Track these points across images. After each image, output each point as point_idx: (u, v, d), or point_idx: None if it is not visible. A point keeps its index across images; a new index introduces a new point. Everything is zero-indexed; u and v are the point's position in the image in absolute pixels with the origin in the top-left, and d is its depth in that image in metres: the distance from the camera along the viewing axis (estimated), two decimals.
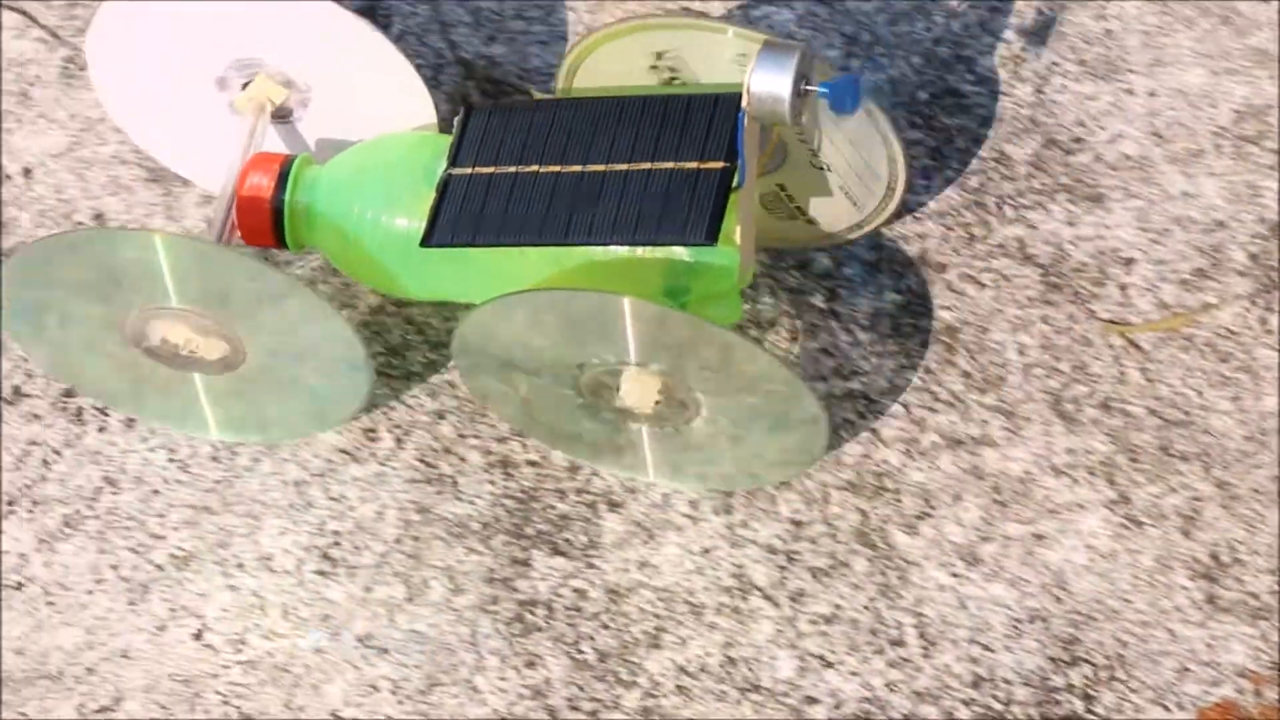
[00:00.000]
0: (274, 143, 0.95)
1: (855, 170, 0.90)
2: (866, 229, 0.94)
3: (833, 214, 0.93)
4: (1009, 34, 1.03)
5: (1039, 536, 0.90)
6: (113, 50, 0.94)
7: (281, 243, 0.90)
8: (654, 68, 0.88)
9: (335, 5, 0.89)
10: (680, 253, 0.85)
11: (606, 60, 0.88)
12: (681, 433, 0.87)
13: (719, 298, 0.87)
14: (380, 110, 0.92)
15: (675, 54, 0.87)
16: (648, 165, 0.82)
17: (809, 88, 0.82)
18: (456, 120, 0.87)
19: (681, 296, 0.86)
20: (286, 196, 0.89)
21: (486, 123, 0.86)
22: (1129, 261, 0.97)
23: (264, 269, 0.85)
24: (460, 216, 0.83)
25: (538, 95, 1.00)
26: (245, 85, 0.93)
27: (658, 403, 0.85)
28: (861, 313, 0.95)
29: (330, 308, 0.86)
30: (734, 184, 0.82)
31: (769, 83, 0.80)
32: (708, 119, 0.83)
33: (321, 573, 0.91)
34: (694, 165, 0.82)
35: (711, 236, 0.80)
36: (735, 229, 0.84)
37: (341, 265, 0.92)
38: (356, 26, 0.90)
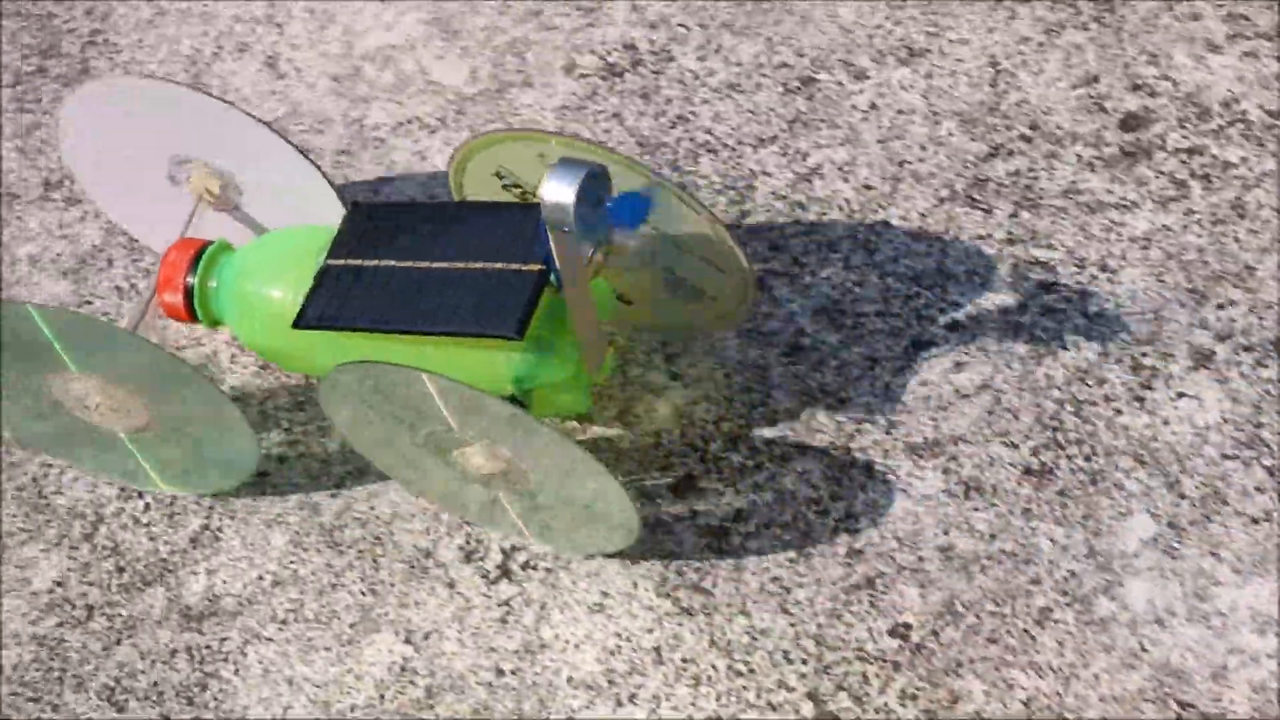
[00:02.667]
0: (221, 227, 1.07)
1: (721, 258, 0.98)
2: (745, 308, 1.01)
3: (732, 291, 1.00)
4: None
5: None
6: (80, 135, 1.07)
7: (194, 318, 1.02)
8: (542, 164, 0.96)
9: (256, 121, 1.03)
10: (527, 347, 0.94)
11: (502, 155, 0.98)
12: (531, 496, 0.96)
13: (566, 389, 0.97)
14: (298, 206, 1.04)
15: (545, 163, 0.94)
16: (481, 265, 0.92)
17: (604, 201, 0.89)
18: (343, 216, 0.98)
19: (527, 384, 0.95)
20: (197, 276, 1.00)
21: (365, 220, 0.97)
22: None
23: (111, 331, 0.96)
24: (329, 302, 0.94)
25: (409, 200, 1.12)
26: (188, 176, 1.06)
27: (499, 470, 0.94)
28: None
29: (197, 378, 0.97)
30: (553, 286, 0.91)
31: (555, 194, 0.87)
32: (534, 226, 0.92)
33: None
34: (516, 267, 0.91)
35: (518, 331, 0.90)
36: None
37: (245, 341, 1.02)
38: (271, 139, 1.03)
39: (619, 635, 0.98)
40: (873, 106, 1.16)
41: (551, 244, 0.89)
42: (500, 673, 0.98)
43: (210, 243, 1.02)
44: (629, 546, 0.98)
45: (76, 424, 1.02)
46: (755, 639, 0.97)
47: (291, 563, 1.03)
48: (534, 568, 1.01)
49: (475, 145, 0.98)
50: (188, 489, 1.05)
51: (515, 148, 0.97)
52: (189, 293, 1.01)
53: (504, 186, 0.99)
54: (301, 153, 1.03)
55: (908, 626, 0.96)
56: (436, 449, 0.95)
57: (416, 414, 0.93)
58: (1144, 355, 1.04)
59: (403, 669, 0.98)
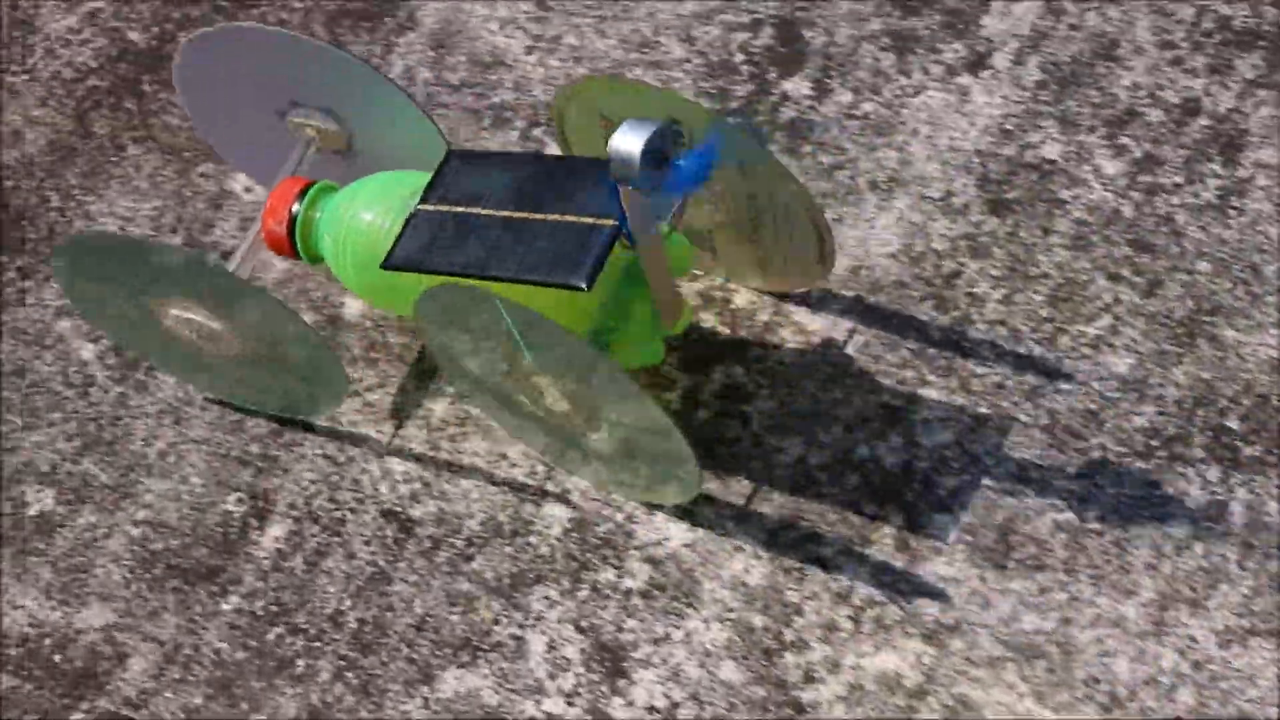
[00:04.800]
0: (329, 172, 1.10)
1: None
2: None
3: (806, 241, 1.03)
4: None
5: None
6: (197, 77, 1.11)
7: (295, 251, 1.06)
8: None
9: (370, 69, 1.06)
10: (604, 299, 0.98)
11: (605, 99, 1.01)
12: (600, 441, 1.00)
13: (641, 341, 1.01)
14: (409, 154, 1.08)
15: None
16: (560, 217, 0.96)
17: (672, 158, 0.91)
18: (439, 162, 1.02)
19: (603, 336, 1.00)
20: (301, 207, 1.05)
21: (459, 167, 1.01)
22: None
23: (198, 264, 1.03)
24: (416, 246, 0.98)
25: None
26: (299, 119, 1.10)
27: (571, 410, 0.98)
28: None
29: (284, 309, 1.02)
30: (626, 242, 0.95)
31: (621, 150, 0.89)
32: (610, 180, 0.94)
33: None
34: (591, 221, 0.95)
35: (588, 283, 0.93)
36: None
37: (338, 273, 1.06)
38: (386, 88, 1.06)
39: None
40: None
41: (622, 200, 0.92)
42: None
43: (315, 181, 1.07)
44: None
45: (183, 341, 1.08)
46: None
47: None
48: None
49: (576, 90, 1.01)
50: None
51: (616, 97, 1.00)
52: (292, 222, 1.04)
53: (606, 127, 1.00)
54: (414, 101, 1.07)
55: None
56: (514, 381, 0.99)
57: (494, 345, 0.96)
58: None
59: None
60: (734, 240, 1.05)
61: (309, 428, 1.11)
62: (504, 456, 1.07)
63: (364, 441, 1.10)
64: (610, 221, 0.94)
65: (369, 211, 1.03)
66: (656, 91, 1.00)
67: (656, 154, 0.90)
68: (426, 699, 1.00)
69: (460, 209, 0.98)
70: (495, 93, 1.23)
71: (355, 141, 1.10)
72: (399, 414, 1.10)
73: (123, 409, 1.14)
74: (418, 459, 1.09)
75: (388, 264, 0.99)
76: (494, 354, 0.99)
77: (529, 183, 0.98)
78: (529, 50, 1.24)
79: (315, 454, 1.10)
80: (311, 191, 1.05)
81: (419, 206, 1.00)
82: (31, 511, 1.11)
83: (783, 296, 1.09)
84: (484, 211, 0.97)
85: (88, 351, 1.16)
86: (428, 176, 1.01)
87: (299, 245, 1.05)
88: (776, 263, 1.05)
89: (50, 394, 1.15)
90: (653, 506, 1.04)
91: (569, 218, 0.95)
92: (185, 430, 1.13)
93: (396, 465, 1.08)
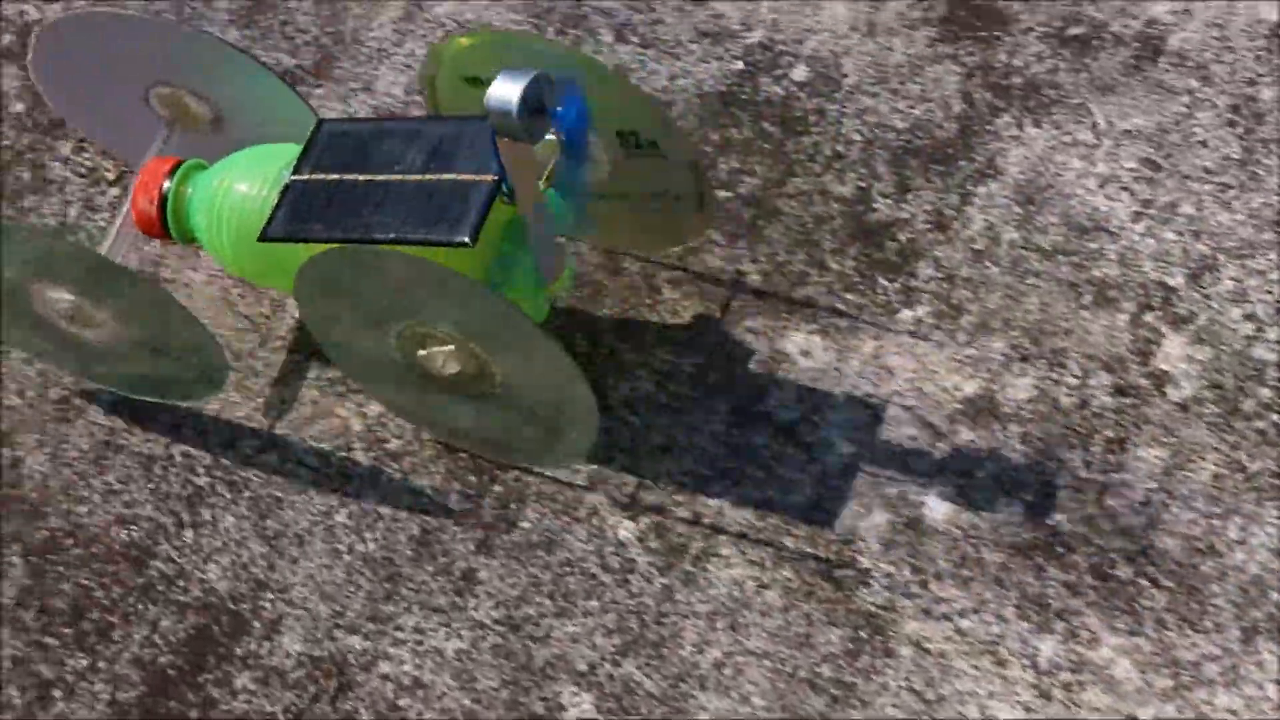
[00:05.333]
0: (196, 151, 1.07)
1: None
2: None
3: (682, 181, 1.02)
4: None
5: None
6: (54, 64, 1.09)
7: (166, 231, 1.04)
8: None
9: (229, 46, 1.06)
10: (485, 257, 0.98)
11: (473, 56, 1.00)
12: (494, 400, 0.99)
13: (523, 298, 0.99)
14: (276, 129, 1.06)
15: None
16: (438, 177, 0.95)
17: (550, 109, 0.91)
18: (310, 133, 1.01)
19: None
20: (172, 183, 1.03)
21: (330, 136, 1.00)
22: None
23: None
24: (293, 215, 0.97)
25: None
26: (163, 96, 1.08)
27: (463, 369, 0.97)
28: None
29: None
30: (506, 197, 0.94)
31: (499, 101, 0.89)
32: (488, 136, 0.93)
33: None
34: (470, 177, 0.94)
35: (471, 238, 0.92)
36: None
37: (211, 251, 1.04)
38: (246, 62, 1.06)
39: None
40: None
41: (500, 152, 0.92)
42: None
43: (185, 159, 1.05)
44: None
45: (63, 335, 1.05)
46: None
47: None
48: None
49: (439, 51, 1.00)
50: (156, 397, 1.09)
51: (480, 49, 1.00)
52: (163, 200, 1.03)
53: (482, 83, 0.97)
54: (278, 75, 1.06)
55: None
56: (402, 345, 0.98)
57: (386, 306, 0.96)
58: None
59: None
60: (629, 179, 1.02)
61: (889, 653, 0.97)
62: None
63: (961, 675, 0.95)
64: (490, 177, 0.94)
65: (243, 184, 1.02)
66: (519, 38, 1.04)
67: (534, 102, 0.90)
68: None
69: (335, 176, 0.98)
70: (1096, 265, 1.07)
71: (222, 117, 1.09)
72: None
73: (668, 604, 1.01)
74: (1027, 708, 0.94)
75: (265, 236, 0.98)
76: (380, 318, 0.97)
77: (403, 146, 0.97)
78: (1136, 217, 1.08)
79: (899, 684, 0.96)
80: (182, 168, 1.04)
81: (293, 177, 0.99)
82: (569, 716, 0.98)
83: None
84: (360, 177, 0.97)
85: (625, 530, 1.03)
86: (299, 148, 1.01)
87: (171, 223, 1.04)
88: (655, 218, 1.05)
89: (585, 576, 1.02)
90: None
91: (448, 176, 0.95)
92: (742, 639, 0.99)
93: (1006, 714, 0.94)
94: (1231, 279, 1.05)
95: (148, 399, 1.09)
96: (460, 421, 1.04)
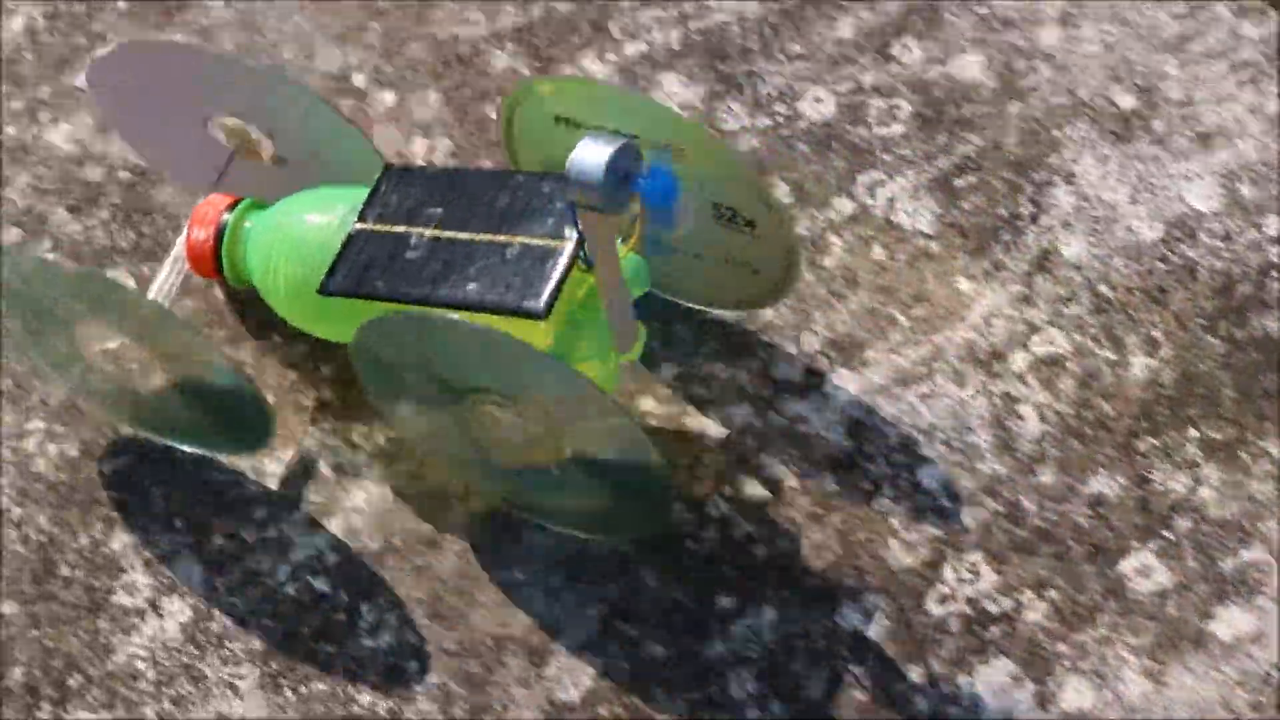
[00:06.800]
0: (252, 182, 1.04)
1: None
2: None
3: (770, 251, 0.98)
4: None
5: None
6: (112, 89, 1.05)
7: (219, 269, 1.00)
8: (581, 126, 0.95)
9: (296, 84, 1.04)
10: (556, 323, 0.91)
11: (553, 103, 0.95)
12: (559, 470, 0.94)
13: (594, 366, 0.93)
14: (337, 166, 1.01)
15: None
16: (510, 238, 0.90)
17: (636, 179, 0.85)
18: (377, 178, 0.96)
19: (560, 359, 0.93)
20: (230, 219, 0.99)
21: (398, 183, 0.95)
22: None
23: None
24: (355, 269, 0.93)
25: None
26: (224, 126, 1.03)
27: (527, 438, 0.93)
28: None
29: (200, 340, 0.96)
30: (583, 264, 0.89)
31: (582, 170, 0.83)
32: (564, 199, 0.89)
33: None
34: (546, 242, 0.90)
35: (545, 310, 0.87)
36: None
37: (266, 297, 0.99)
38: (312, 101, 1.00)
39: None
40: None
41: (579, 221, 0.87)
42: None
43: (241, 198, 1.01)
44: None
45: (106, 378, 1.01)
46: None
47: None
48: None
49: (519, 95, 0.96)
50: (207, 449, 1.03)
51: (563, 96, 0.95)
52: (219, 233, 0.99)
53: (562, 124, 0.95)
54: (343, 116, 1.01)
55: None
56: (463, 411, 0.94)
57: (449, 373, 0.92)
58: None
59: None
60: (705, 250, 0.98)
61: None
62: None
63: None
64: (567, 243, 0.89)
65: (302, 227, 0.97)
66: (617, 92, 0.98)
67: (620, 173, 0.84)
68: None
69: (401, 228, 0.93)
70: None
71: (284, 154, 1.03)
72: None
73: None
74: None
75: (325, 289, 0.93)
76: (442, 386, 0.93)
77: (474, 200, 0.93)
78: None
79: None
80: (241, 205, 1.00)
81: (357, 226, 0.94)
82: None
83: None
84: (428, 232, 0.93)
85: None
86: (364, 190, 0.96)
87: (225, 260, 0.99)
88: (726, 279, 0.99)
89: None
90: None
91: (520, 239, 0.90)
92: None
93: None
94: None
95: (191, 449, 1.04)
96: (525, 492, 0.99)
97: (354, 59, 1.16)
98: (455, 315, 0.87)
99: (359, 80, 1.15)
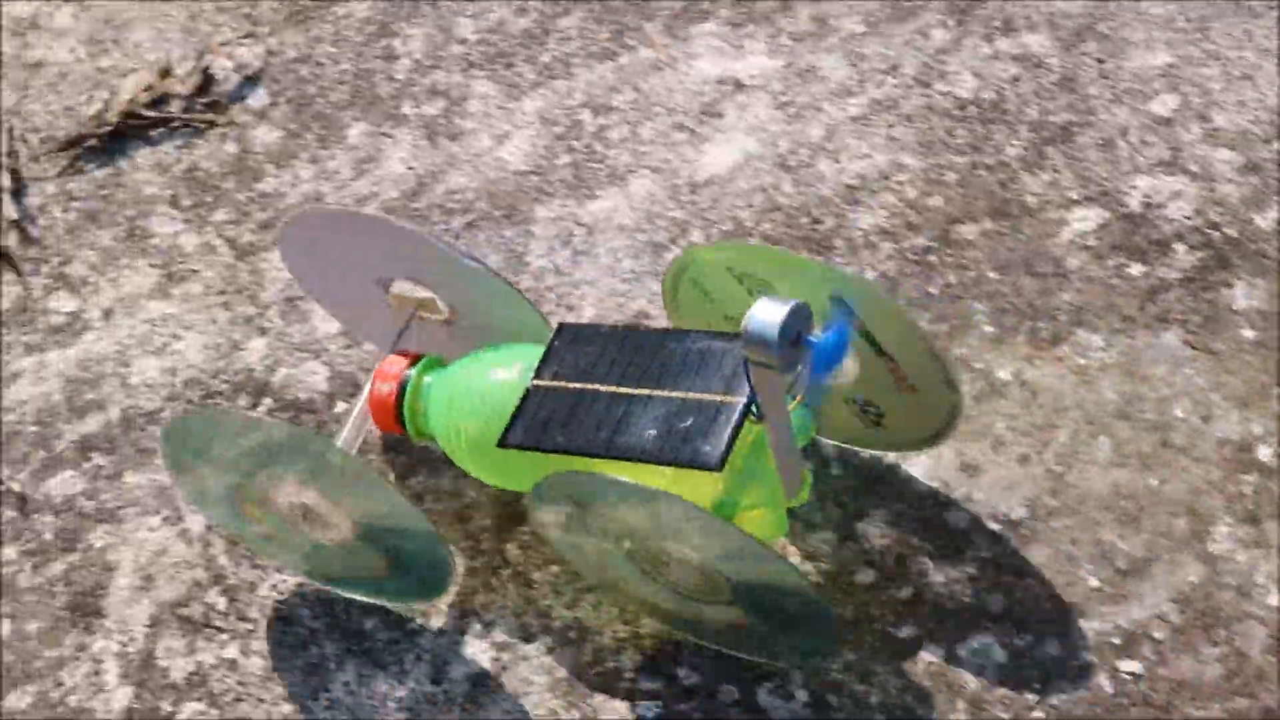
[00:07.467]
0: (432, 338, 1.08)
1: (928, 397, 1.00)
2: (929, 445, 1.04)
3: (910, 427, 1.03)
4: None
5: None
6: (300, 247, 1.10)
7: (400, 422, 1.03)
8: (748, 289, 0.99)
9: (460, 254, 1.04)
10: (728, 474, 0.95)
11: (712, 270, 1.01)
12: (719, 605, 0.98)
13: (764, 512, 0.97)
14: (507, 328, 1.05)
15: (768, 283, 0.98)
16: (681, 395, 0.95)
17: (807, 339, 0.90)
18: (551, 337, 1.00)
19: (727, 510, 0.96)
20: (412, 375, 1.03)
21: (571, 342, 1.00)
22: None
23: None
24: (533, 423, 0.97)
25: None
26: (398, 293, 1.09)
27: (698, 580, 0.97)
28: None
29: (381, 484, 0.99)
30: (755, 416, 0.93)
31: (758, 330, 0.89)
32: (736, 356, 0.94)
33: None
34: (718, 398, 0.94)
35: (720, 463, 0.92)
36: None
37: (447, 449, 1.03)
38: (475, 269, 1.04)
39: None
40: None
41: (752, 377, 0.92)
42: None
43: (422, 355, 1.05)
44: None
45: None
46: None
47: None
48: None
49: (688, 258, 1.01)
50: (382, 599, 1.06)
51: (728, 262, 1.00)
52: (401, 390, 1.03)
53: (745, 287, 1.01)
54: (507, 282, 1.04)
55: None
56: (637, 557, 0.98)
57: (622, 528, 0.96)
58: None
59: None
60: (891, 394, 1.02)
61: None
62: None
63: None
64: (740, 398, 0.94)
65: (482, 383, 1.01)
66: (781, 256, 1.02)
67: (791, 333, 0.89)
68: None
69: (577, 385, 0.98)
70: None
71: (457, 316, 1.08)
72: None
73: None
74: None
75: (504, 442, 0.97)
76: (616, 538, 0.97)
77: (645, 357, 0.97)
78: None
79: None
80: (423, 361, 1.04)
81: (534, 382, 0.99)
82: None
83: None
84: (603, 388, 0.97)
85: None
86: (539, 349, 1.01)
87: (407, 415, 1.03)
88: (932, 408, 1.01)
89: None
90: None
91: (693, 394, 0.95)
92: None
93: None
94: None
95: (363, 599, 1.06)
96: (701, 624, 1.02)
97: (1257, 428, 1.07)
98: (626, 479, 0.92)
99: (1264, 454, 1.05)
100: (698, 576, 0.97)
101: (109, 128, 1.29)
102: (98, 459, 1.12)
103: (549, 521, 0.99)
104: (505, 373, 1.00)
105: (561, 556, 1.04)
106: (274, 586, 1.07)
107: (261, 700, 1.03)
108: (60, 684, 1.05)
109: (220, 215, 1.24)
